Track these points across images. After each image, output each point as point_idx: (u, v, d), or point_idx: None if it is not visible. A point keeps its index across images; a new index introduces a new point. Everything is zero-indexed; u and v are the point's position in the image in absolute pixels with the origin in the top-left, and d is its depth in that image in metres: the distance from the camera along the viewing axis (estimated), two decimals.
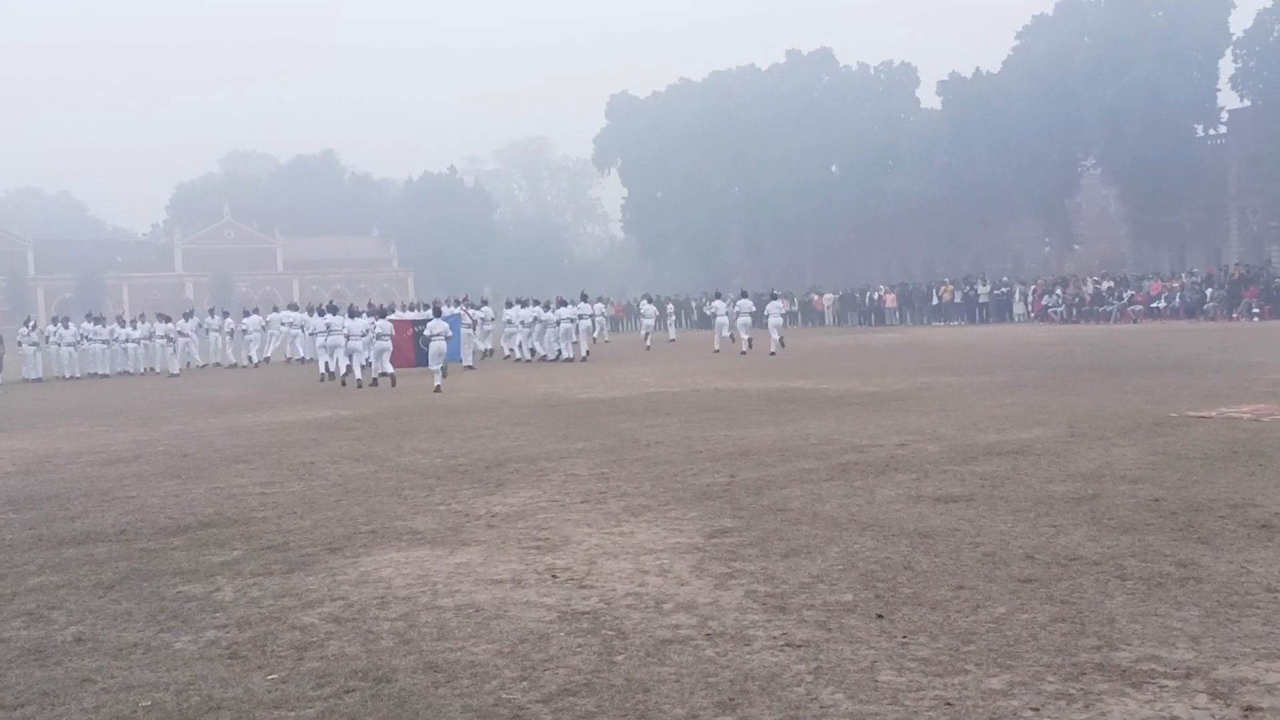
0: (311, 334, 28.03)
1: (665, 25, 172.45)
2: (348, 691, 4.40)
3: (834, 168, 72.82)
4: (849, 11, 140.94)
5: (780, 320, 29.90)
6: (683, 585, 5.81)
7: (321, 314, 28.05)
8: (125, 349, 32.99)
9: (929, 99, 69.89)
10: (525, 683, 4.42)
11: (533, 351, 29.40)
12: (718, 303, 33.55)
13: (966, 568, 5.96)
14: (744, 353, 27.82)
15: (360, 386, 21.98)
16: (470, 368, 26.80)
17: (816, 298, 54.71)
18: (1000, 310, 46.81)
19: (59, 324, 33.90)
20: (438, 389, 19.73)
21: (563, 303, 29.41)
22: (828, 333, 44.45)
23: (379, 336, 22.34)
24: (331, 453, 11.91)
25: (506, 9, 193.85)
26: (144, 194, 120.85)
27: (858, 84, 74.55)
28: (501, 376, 23.79)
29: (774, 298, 31.82)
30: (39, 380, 30.47)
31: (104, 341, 32.70)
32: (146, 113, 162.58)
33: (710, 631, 4.99)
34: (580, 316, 28.95)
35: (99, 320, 34.90)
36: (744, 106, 75.61)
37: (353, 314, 24.27)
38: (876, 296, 51.96)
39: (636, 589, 5.77)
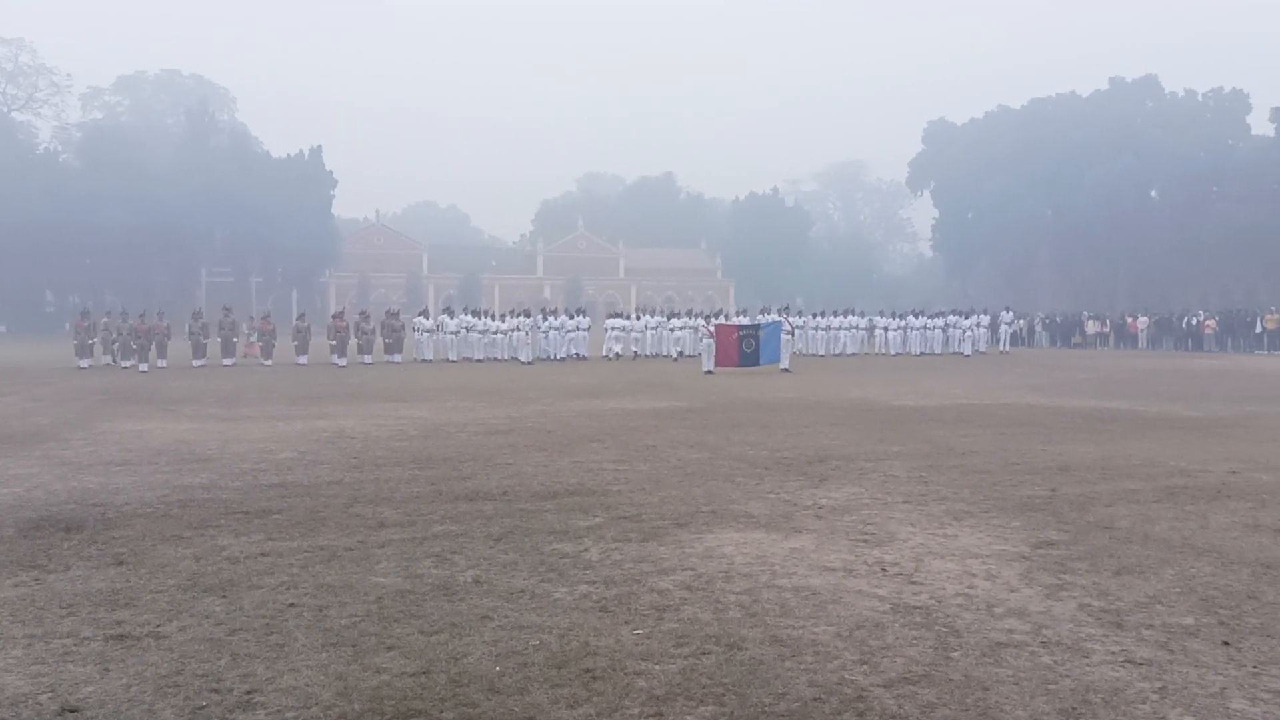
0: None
1: (982, 58, 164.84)
2: (704, 653, 4.47)
3: (1154, 193, 66.74)
4: (1176, 40, 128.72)
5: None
6: (1012, 591, 5.48)
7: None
8: (495, 339, 35.53)
9: (1260, 125, 62.82)
10: (865, 666, 4.31)
11: None
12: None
13: None
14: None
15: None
16: (786, 370, 26.77)
17: (1131, 320, 50.28)
18: None
19: (446, 314, 37.02)
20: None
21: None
22: (1142, 356, 40.72)
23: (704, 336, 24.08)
24: (670, 438, 12.24)
25: (825, 52, 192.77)
26: (515, 209, 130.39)
27: (1184, 110, 68.00)
28: (816, 380, 23.58)
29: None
30: (429, 361, 33.46)
31: (480, 331, 35.37)
32: (519, 139, 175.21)
33: (1045, 640, 4.66)
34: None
35: (476, 313, 37.78)
36: (1062, 132, 71.04)
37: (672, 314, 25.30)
38: (1195, 322, 46.95)
39: (965, 590, 5.50)
